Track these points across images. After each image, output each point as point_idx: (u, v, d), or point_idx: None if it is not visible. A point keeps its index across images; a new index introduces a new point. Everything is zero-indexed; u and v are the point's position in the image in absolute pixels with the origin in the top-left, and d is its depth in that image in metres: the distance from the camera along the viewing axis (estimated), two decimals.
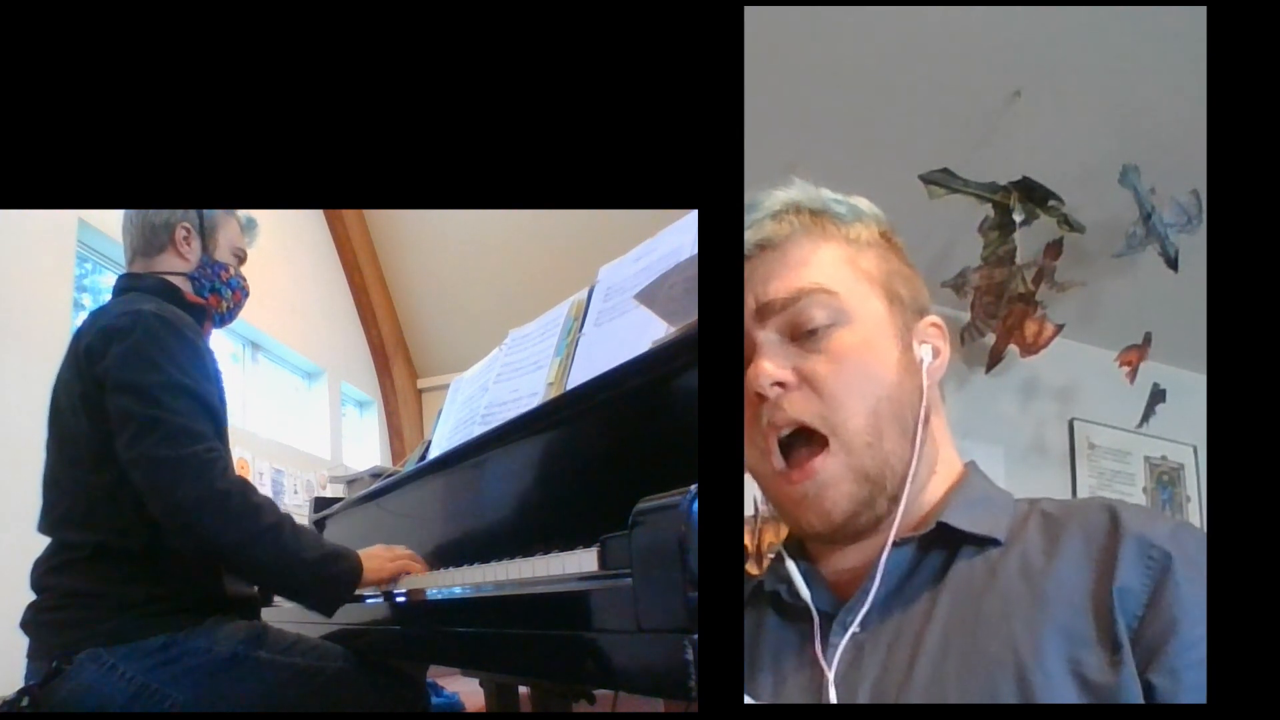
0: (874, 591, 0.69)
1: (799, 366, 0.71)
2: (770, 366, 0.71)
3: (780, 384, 0.71)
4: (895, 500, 0.71)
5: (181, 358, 1.26)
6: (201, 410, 1.24)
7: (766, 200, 0.77)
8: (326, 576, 1.25)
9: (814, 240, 0.75)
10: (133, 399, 1.21)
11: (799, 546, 0.78)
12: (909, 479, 0.71)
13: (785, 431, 0.71)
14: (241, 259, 1.51)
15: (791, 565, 0.74)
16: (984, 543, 0.69)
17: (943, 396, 0.80)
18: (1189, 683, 0.59)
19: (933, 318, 0.78)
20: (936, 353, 0.77)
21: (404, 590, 1.30)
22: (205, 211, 1.44)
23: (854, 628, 0.70)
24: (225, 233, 1.47)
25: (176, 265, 1.42)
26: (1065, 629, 0.62)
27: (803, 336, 0.72)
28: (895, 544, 0.71)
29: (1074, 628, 0.62)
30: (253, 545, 1.20)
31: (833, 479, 0.70)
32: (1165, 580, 0.61)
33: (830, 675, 0.68)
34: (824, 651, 0.70)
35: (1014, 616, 0.63)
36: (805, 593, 0.73)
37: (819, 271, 0.74)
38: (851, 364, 0.71)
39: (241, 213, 1.53)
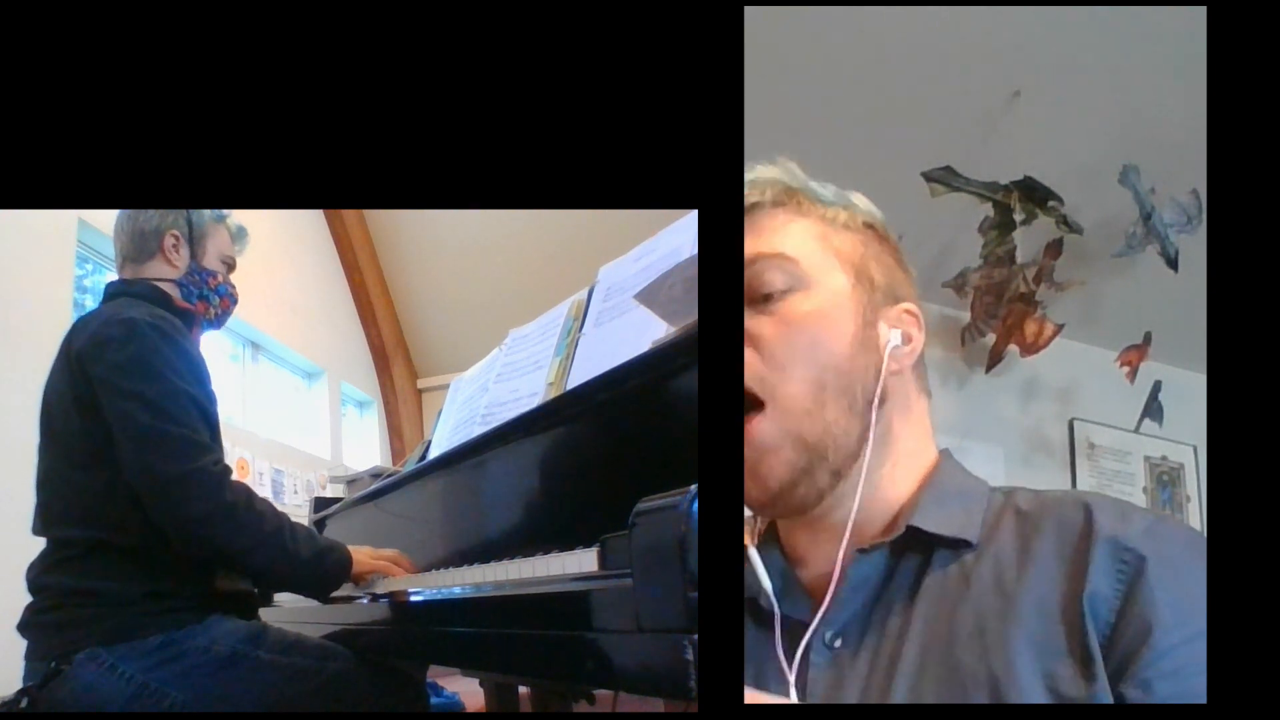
0: (830, 596, 0.68)
1: (748, 328, 0.70)
2: None
3: None
4: (838, 475, 0.69)
5: (179, 364, 1.28)
6: (201, 417, 1.27)
7: (748, 173, 0.77)
8: (322, 570, 1.32)
9: (786, 213, 0.74)
10: (136, 406, 1.22)
11: (777, 547, 0.76)
12: (862, 460, 0.69)
13: None
14: (231, 267, 1.53)
15: (761, 571, 0.72)
16: (957, 544, 0.67)
17: (928, 393, 0.78)
18: (1162, 694, 0.55)
19: (909, 305, 0.76)
20: (908, 339, 0.74)
21: (402, 590, 1.30)
22: (194, 219, 1.46)
23: (835, 642, 0.68)
24: (214, 240, 1.49)
25: (165, 272, 1.43)
26: (1038, 641, 0.59)
27: (758, 300, 0.71)
28: (866, 550, 0.69)
29: (1047, 639, 0.59)
30: (257, 551, 1.24)
31: (770, 444, 0.68)
32: (1137, 584, 0.59)
33: (791, 679, 0.67)
34: (800, 660, 0.68)
35: (988, 629, 0.61)
36: (773, 600, 0.71)
37: (783, 240, 0.72)
38: (800, 329, 0.70)
39: (232, 221, 1.54)
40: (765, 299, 0.71)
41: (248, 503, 1.24)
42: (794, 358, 0.69)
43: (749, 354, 0.70)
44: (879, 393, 0.70)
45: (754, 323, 0.70)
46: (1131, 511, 0.64)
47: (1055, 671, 0.58)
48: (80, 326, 1.34)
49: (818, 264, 0.72)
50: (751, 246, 0.72)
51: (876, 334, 0.73)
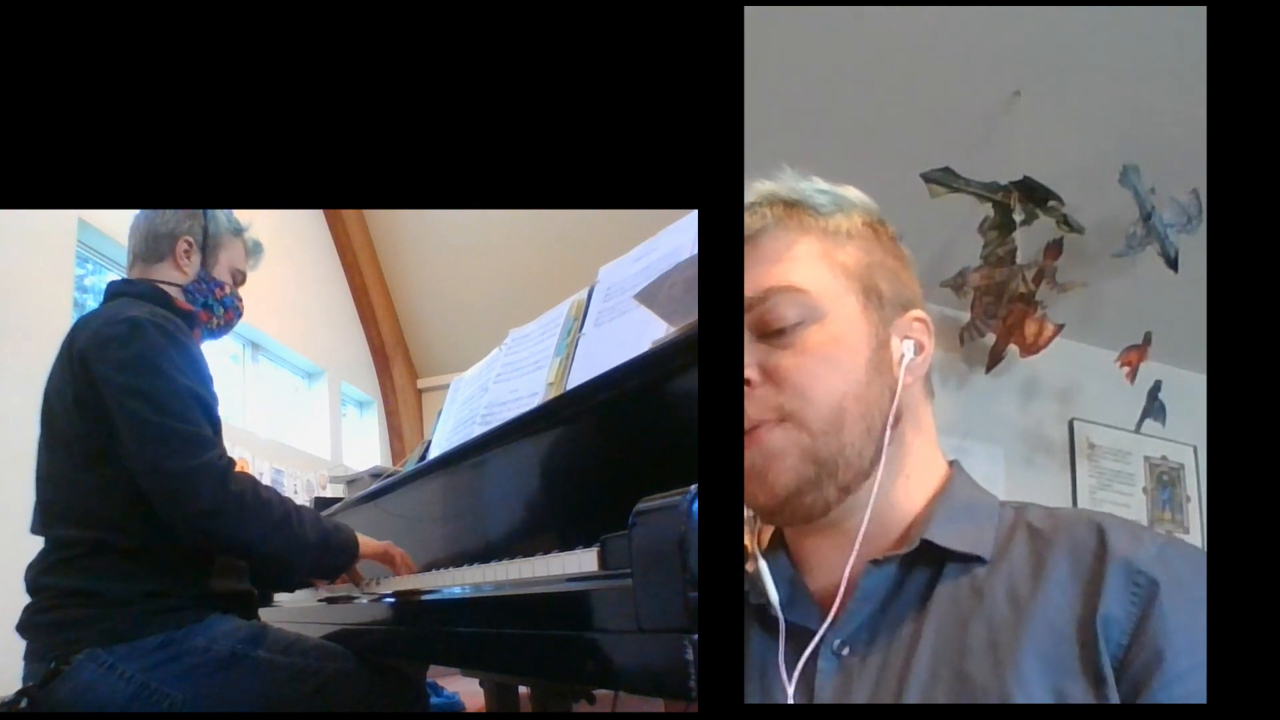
0: (837, 605, 0.68)
1: (764, 363, 0.70)
2: None
3: (746, 381, 0.70)
4: (847, 490, 0.70)
5: (182, 362, 1.28)
6: (204, 413, 1.27)
7: (745, 193, 0.76)
8: (329, 553, 1.34)
9: (789, 234, 0.74)
10: (141, 403, 1.22)
11: (785, 554, 0.76)
12: (874, 479, 0.70)
13: (749, 428, 0.70)
14: (240, 281, 1.52)
15: (769, 581, 0.72)
16: (969, 559, 0.67)
17: (931, 393, 0.77)
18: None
19: (917, 312, 0.75)
20: (919, 348, 0.74)
21: (402, 590, 1.30)
22: (210, 228, 1.46)
23: (843, 650, 0.68)
24: (228, 252, 1.49)
25: (173, 276, 1.44)
26: (1051, 659, 0.60)
27: (772, 334, 0.71)
28: (879, 562, 0.69)
29: (1060, 658, 0.60)
30: (266, 540, 1.25)
31: (780, 451, 0.69)
32: (1151, 609, 0.59)
33: (790, 693, 0.67)
34: (806, 667, 0.68)
35: (1000, 645, 0.62)
36: (778, 610, 0.71)
37: (791, 268, 0.72)
38: (818, 359, 0.70)
39: (250, 235, 1.54)
40: (779, 333, 0.71)
41: (254, 493, 1.24)
42: (815, 386, 0.69)
43: (767, 387, 0.70)
44: (894, 413, 0.71)
45: (770, 356, 0.70)
46: (1143, 533, 0.65)
47: (1066, 689, 0.59)
48: (82, 326, 1.34)
49: (827, 290, 0.72)
50: (760, 279, 0.72)
51: (889, 353, 0.73)
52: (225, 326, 1.51)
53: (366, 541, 1.37)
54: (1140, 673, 0.58)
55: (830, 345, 0.70)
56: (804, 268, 0.72)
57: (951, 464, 0.76)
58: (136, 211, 1.46)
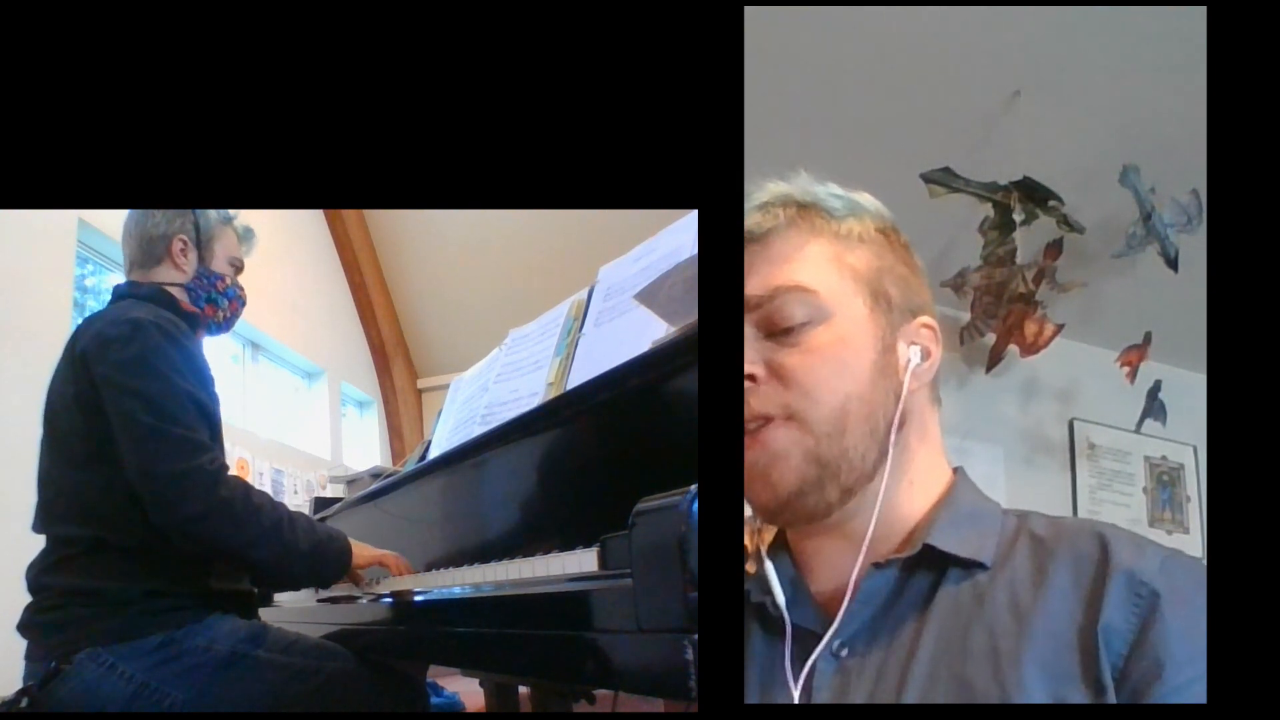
0: (844, 609, 0.68)
1: (770, 360, 0.71)
2: None
3: (751, 377, 0.70)
4: (849, 493, 0.70)
5: (181, 364, 1.28)
6: (201, 417, 1.27)
7: (757, 192, 0.76)
8: (321, 561, 1.33)
9: (800, 235, 0.74)
10: (137, 405, 1.22)
11: (787, 556, 0.76)
12: (879, 480, 0.70)
13: (753, 426, 0.70)
14: (238, 269, 1.53)
15: (774, 580, 0.72)
16: (971, 565, 0.68)
17: (938, 400, 0.77)
18: None
19: (926, 318, 0.76)
20: (926, 354, 0.74)
21: (402, 590, 1.30)
22: (202, 223, 1.46)
23: (842, 652, 0.68)
24: (222, 243, 1.49)
25: (173, 276, 1.44)
26: (1051, 667, 0.60)
27: (778, 333, 0.71)
28: (881, 565, 0.69)
29: (1060, 666, 0.60)
30: (256, 546, 1.24)
31: (783, 451, 0.69)
32: (1152, 620, 0.60)
33: (795, 694, 0.68)
34: (808, 671, 0.68)
35: (1001, 652, 0.62)
36: (783, 608, 0.72)
37: (800, 269, 0.72)
38: (824, 359, 0.70)
39: (239, 222, 1.54)
40: (786, 332, 0.71)
41: (245, 498, 1.24)
42: (820, 386, 0.70)
43: (772, 384, 0.70)
44: (898, 417, 0.71)
45: (775, 354, 0.71)
46: (1146, 545, 0.65)
47: (1066, 698, 0.59)
48: (85, 326, 1.35)
49: (835, 291, 0.72)
50: (769, 278, 0.72)
51: (895, 357, 0.73)
52: (231, 318, 1.51)
53: (361, 550, 1.37)
54: (1140, 683, 0.58)
55: (836, 346, 0.71)
56: (813, 268, 0.73)
57: (956, 470, 0.77)
58: (125, 217, 1.46)
